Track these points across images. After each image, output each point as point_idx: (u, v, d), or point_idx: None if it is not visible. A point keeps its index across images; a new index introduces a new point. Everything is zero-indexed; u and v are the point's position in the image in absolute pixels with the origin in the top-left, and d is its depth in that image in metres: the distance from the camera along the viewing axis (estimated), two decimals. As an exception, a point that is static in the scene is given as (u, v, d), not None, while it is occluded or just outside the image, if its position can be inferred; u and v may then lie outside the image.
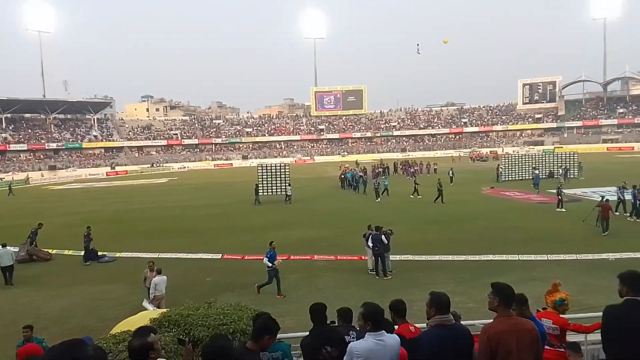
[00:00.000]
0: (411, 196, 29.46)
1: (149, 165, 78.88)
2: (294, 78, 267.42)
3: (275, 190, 31.12)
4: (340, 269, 14.38)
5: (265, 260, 12.28)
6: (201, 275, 14.27)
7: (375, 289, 12.12)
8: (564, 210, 22.53)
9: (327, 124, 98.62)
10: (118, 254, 17.49)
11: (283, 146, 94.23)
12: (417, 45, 75.49)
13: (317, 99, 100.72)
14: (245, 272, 14.38)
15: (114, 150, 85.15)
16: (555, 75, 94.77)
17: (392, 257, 13.80)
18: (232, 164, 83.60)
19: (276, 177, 31.30)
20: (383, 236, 13.54)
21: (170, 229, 22.24)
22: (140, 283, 12.01)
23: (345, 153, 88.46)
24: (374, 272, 13.51)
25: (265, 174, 31.45)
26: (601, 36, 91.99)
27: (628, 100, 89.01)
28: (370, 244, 13.51)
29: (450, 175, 36.59)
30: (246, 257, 16.03)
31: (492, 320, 3.63)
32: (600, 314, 7.30)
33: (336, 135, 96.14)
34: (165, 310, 6.84)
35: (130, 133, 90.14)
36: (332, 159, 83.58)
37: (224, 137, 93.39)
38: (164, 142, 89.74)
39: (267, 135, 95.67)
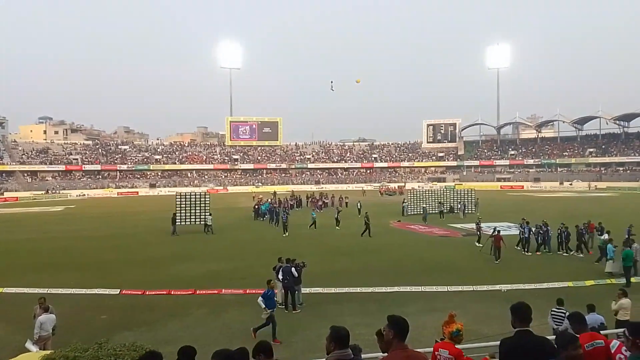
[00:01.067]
0: (337, 228, 30.30)
1: (43, 192, 72.35)
2: (208, 107, 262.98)
3: (194, 220, 30.18)
4: (249, 302, 13.93)
5: (259, 301, 11.28)
6: (95, 313, 13.10)
7: (284, 323, 11.92)
8: (481, 245, 22.16)
9: (241, 154, 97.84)
10: (0, 290, 15.61)
11: (195, 175, 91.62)
12: (331, 82, 78.18)
13: (232, 128, 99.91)
14: (146, 308, 13.50)
15: (4, 174, 77.30)
16: (456, 117, 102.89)
17: (302, 290, 13.73)
18: (138, 192, 79.38)
19: (195, 207, 30.42)
20: (293, 269, 13.46)
21: (62, 262, 20.33)
22: (25, 322, 10.76)
23: (260, 184, 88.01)
24: (284, 306, 13.32)
25: (184, 203, 30.44)
26: (495, 84, 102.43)
27: (518, 143, 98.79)
28: (280, 276, 13.35)
29: (358, 207, 38.02)
30: (147, 292, 15.07)
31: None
32: (494, 342, 7.74)
33: (251, 166, 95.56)
34: (49, 352, 6.17)
35: (23, 156, 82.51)
36: (246, 189, 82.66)
37: (130, 163, 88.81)
38: (62, 167, 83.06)
39: (177, 163, 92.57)
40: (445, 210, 37.84)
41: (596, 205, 44.57)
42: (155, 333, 11.32)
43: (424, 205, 36.52)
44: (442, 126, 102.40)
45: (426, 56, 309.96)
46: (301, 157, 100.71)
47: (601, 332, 6.01)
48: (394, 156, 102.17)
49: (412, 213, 38.08)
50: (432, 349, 5.71)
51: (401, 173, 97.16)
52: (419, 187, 67.65)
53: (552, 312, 9.40)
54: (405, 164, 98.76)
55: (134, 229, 31.33)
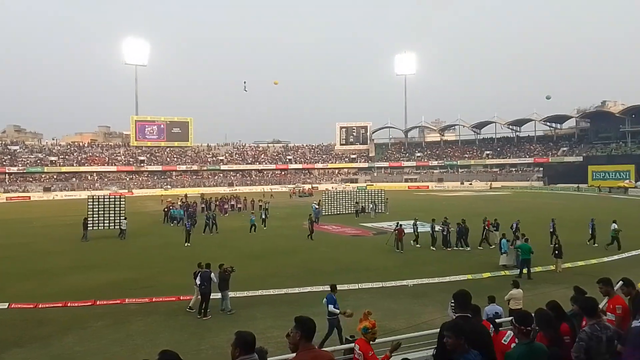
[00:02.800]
0: (264, 227, 30.42)
1: None
2: (111, 105, 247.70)
3: (107, 225, 28.51)
4: (156, 311, 13.24)
5: (330, 307, 10.06)
6: (-24, 332, 11.65)
7: (192, 331, 11.45)
8: (419, 245, 23.06)
9: (148, 155, 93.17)
10: None
11: (96, 178, 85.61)
12: (244, 83, 77.26)
13: (138, 128, 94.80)
14: (39, 322, 12.28)
15: None
16: (367, 121, 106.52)
17: (213, 296, 13.23)
18: (30, 197, 72.49)
19: (109, 210, 28.77)
20: (213, 274, 13.00)
21: None
22: None
23: (169, 186, 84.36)
24: (194, 310, 12.81)
25: (97, 206, 28.58)
26: (403, 89, 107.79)
27: (424, 145, 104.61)
28: (197, 282, 12.84)
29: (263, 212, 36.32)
30: (40, 306, 13.70)
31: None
32: (400, 336, 7.96)
33: (159, 167, 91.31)
34: None
35: None
36: (153, 192, 78.73)
37: (21, 165, 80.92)
38: (-63, 170, 73.62)
39: (76, 165, 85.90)
40: (359, 210, 38.92)
41: (492, 203, 48.37)
42: (50, 349, 10.40)
43: (316, 206, 36.59)
44: (354, 129, 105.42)
45: (340, 61, 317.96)
46: (214, 158, 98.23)
47: (497, 320, 6.43)
48: (308, 158, 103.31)
49: (326, 214, 38.67)
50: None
51: (315, 174, 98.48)
52: (332, 188, 69.00)
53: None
54: (320, 165, 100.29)
55: (27, 238, 28.45)
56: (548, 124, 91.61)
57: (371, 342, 5.82)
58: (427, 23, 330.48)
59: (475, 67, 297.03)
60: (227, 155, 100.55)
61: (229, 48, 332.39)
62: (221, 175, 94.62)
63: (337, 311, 10.05)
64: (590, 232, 22.70)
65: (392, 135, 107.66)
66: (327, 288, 15.19)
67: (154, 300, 14.21)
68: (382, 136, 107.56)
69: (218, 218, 31.71)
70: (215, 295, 13.09)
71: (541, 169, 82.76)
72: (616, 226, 21.64)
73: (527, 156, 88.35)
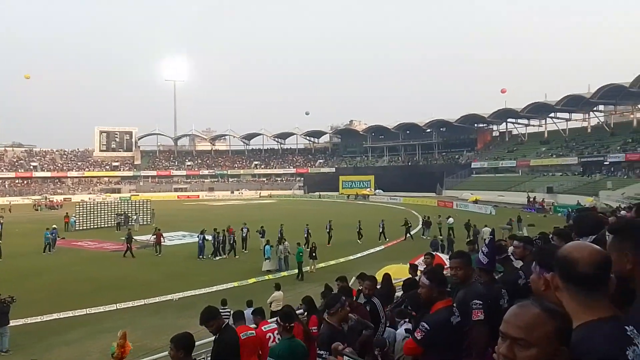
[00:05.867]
0: None
1: None
2: None
3: None
4: None
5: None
6: None
7: None
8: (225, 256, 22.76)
9: None
10: None
11: None
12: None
13: None
14: None
15: None
16: (132, 126, 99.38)
17: None
18: None
19: None
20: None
21: None
22: None
23: None
24: None
25: None
26: (172, 95, 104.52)
27: (194, 154, 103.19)
28: None
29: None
30: None
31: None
32: (162, 354, 7.51)
33: None
34: None
35: None
36: None
37: None
38: None
39: None
40: (121, 222, 35.71)
41: (259, 210, 50.82)
42: None
43: (73, 218, 32.86)
44: (117, 134, 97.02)
45: (100, 61, 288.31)
46: None
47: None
48: (60, 165, 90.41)
49: (82, 228, 34.37)
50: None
51: (69, 184, 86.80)
52: (89, 199, 61.69)
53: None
54: (74, 173, 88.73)
55: None
56: (308, 138, 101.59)
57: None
58: (202, 31, 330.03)
59: (247, 79, 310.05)
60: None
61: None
62: None
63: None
64: (357, 231, 27.04)
65: (161, 142, 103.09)
66: (80, 312, 13.47)
67: None
68: (150, 143, 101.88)
69: None
70: None
71: (302, 178, 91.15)
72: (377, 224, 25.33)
73: (291, 167, 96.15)
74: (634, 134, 54.59)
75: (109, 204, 40.18)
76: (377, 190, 74.76)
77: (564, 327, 1.28)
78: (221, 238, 22.92)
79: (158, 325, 12.14)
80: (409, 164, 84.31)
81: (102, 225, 36.12)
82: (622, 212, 10.95)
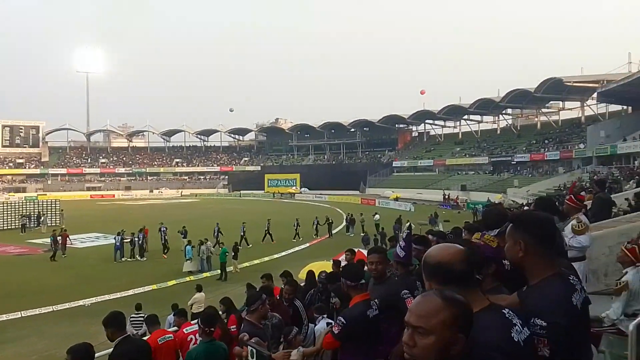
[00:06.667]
0: None
1: None
2: None
3: None
4: None
5: None
6: None
7: None
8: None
9: None
10: None
11: None
12: None
13: None
14: None
15: None
16: (39, 120, 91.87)
17: None
18: None
19: None
20: None
21: None
22: None
23: None
24: None
25: None
26: (85, 88, 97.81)
27: (109, 151, 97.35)
28: None
29: None
30: None
31: None
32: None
33: None
34: None
35: None
36: None
37: None
38: None
39: None
40: (26, 224, 32.99)
41: (181, 210, 49.16)
42: None
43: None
44: (21, 128, 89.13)
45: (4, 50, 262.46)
46: None
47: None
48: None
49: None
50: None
51: (-37, 183, 78.60)
52: (-11, 199, 56.19)
53: (132, 318, 9.41)
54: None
55: None
56: (232, 135, 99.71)
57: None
58: (118, 21, 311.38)
59: (168, 74, 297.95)
60: None
61: None
62: None
63: None
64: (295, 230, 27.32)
65: (72, 138, 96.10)
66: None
67: None
68: (59, 139, 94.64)
69: None
70: None
71: (226, 177, 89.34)
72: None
73: (215, 165, 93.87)
74: (538, 136, 59.62)
75: (13, 204, 37.16)
76: (303, 189, 75.28)
77: (462, 315, 1.34)
78: (136, 240, 21.93)
79: (68, 334, 11.32)
80: (334, 162, 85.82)
81: (5, 227, 33.20)
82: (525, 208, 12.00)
